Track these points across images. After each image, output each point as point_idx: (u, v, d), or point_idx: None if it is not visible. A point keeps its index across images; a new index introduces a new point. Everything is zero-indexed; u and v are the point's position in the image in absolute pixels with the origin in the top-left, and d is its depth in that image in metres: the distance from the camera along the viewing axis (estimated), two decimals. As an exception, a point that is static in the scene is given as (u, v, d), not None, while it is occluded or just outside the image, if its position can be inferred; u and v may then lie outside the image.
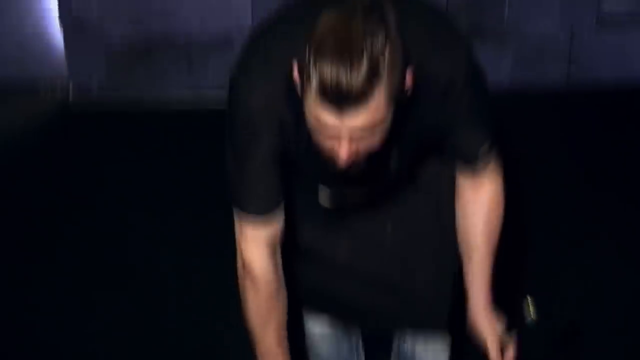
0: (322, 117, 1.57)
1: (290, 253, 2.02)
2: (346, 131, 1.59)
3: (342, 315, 2.25)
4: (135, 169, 3.68)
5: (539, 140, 3.92)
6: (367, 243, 2.11)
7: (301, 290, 2.16)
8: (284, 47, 1.68)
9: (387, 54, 1.50)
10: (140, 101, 4.14)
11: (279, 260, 1.93)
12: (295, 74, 1.62)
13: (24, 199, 3.54)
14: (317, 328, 2.32)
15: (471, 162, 1.91)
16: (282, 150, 1.82)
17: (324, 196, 2.01)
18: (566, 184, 3.73)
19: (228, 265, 2.02)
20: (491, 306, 1.95)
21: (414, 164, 2.01)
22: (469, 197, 1.95)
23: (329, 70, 1.49)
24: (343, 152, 1.61)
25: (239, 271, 1.93)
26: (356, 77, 1.50)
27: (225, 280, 2.11)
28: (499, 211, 1.97)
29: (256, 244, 1.88)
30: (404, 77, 1.58)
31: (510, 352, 1.92)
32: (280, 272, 1.96)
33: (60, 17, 3.97)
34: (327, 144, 1.63)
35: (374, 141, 1.64)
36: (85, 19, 3.97)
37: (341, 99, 1.52)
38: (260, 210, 1.86)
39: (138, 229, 3.38)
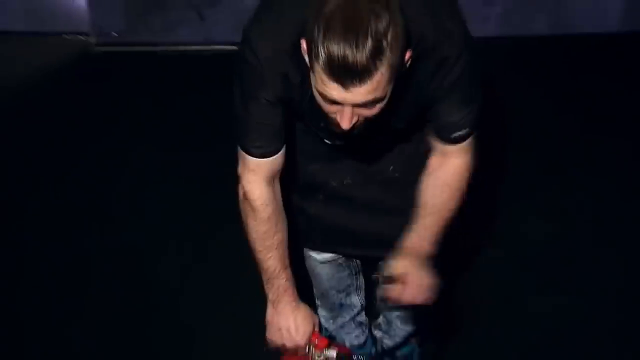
0: (328, 89, 1.69)
1: (294, 186, 2.16)
2: (349, 103, 1.71)
3: (342, 242, 2.30)
4: (150, 104, 3.79)
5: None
6: (372, 176, 2.19)
7: (304, 222, 2.27)
8: (295, 11, 1.77)
9: (390, 35, 1.61)
10: (155, 46, 4.20)
11: (278, 189, 2.03)
12: (304, 47, 1.72)
13: (52, 127, 3.62)
14: (318, 255, 2.38)
15: (443, 140, 2.02)
16: (286, 100, 1.93)
17: (328, 137, 2.12)
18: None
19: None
20: (422, 260, 2.02)
21: (412, 122, 2.09)
22: (434, 166, 2.05)
23: (337, 48, 1.60)
24: (345, 119, 1.74)
25: (240, 198, 2.05)
26: (361, 55, 1.59)
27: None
28: (457, 191, 2.08)
29: (255, 176, 1.98)
30: (404, 56, 1.71)
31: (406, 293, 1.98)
32: (279, 199, 2.06)
33: None
34: (331, 110, 1.76)
35: (373, 112, 1.76)
36: None
37: (347, 74, 1.63)
38: (260, 153, 1.98)
39: (149, 161, 3.46)
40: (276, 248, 2.07)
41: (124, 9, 4.15)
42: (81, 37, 4.25)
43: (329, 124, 1.85)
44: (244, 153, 1.98)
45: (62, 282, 3.12)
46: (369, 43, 1.60)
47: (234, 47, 3.84)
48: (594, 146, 3.69)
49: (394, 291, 2.00)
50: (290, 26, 1.80)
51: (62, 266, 3.17)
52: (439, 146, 2.03)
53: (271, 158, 1.97)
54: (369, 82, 1.65)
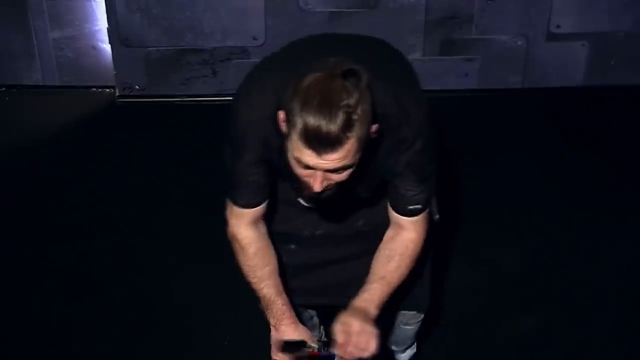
0: (303, 156, 1.84)
1: (269, 232, 2.26)
2: (321, 169, 1.87)
3: (309, 291, 2.39)
4: (167, 151, 3.92)
5: (499, 130, 4.13)
6: (342, 228, 2.34)
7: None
8: (276, 86, 1.94)
9: (359, 110, 1.77)
10: (173, 98, 4.33)
11: (263, 228, 2.20)
12: (281, 117, 1.88)
13: (79, 175, 3.77)
14: None
15: (398, 212, 2.18)
16: (267, 160, 2.10)
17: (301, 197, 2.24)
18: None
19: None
20: (367, 318, 2.09)
21: (376, 192, 2.25)
22: (388, 237, 2.19)
23: (312, 120, 1.76)
24: (317, 183, 1.89)
25: (229, 238, 2.25)
26: (334, 127, 1.75)
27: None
28: (406, 262, 2.21)
29: (240, 221, 2.17)
30: (370, 129, 1.86)
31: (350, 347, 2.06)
32: (265, 236, 2.22)
33: (110, 34, 4.19)
34: (304, 174, 1.92)
35: (342, 177, 1.93)
36: (129, 35, 4.17)
37: (320, 143, 1.78)
38: (243, 204, 2.16)
39: (166, 196, 3.62)
40: (268, 278, 2.21)
41: (146, 66, 4.23)
42: (107, 90, 4.30)
43: (302, 187, 2.01)
44: (231, 202, 2.18)
45: (69, 287, 3.21)
46: (341, 116, 1.74)
47: None
48: (553, 182, 3.76)
49: (340, 350, 2.07)
50: (272, 98, 1.96)
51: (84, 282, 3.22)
52: (394, 217, 2.19)
53: (254, 209, 2.16)
54: (339, 150, 1.80)
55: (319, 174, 1.86)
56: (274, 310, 2.21)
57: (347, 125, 1.75)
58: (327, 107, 1.75)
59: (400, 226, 2.18)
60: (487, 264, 3.36)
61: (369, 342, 2.06)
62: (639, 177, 3.93)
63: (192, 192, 3.67)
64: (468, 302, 3.18)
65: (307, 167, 1.87)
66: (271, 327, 2.21)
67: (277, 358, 2.22)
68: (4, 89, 4.31)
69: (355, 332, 2.05)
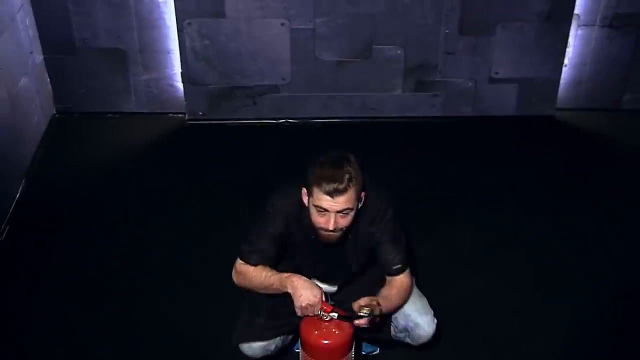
0: (322, 202, 2.16)
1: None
2: (334, 209, 2.19)
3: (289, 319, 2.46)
4: (221, 160, 4.24)
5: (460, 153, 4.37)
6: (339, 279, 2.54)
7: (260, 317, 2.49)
8: (297, 193, 2.30)
9: (354, 175, 2.20)
10: (227, 122, 4.59)
11: (266, 268, 2.36)
12: (304, 191, 2.26)
13: (155, 188, 4.04)
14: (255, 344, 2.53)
15: (388, 274, 2.43)
16: (284, 236, 2.37)
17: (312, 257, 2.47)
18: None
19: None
20: (379, 304, 2.24)
21: (364, 266, 2.52)
22: (386, 285, 2.42)
23: (326, 178, 2.16)
24: (331, 223, 2.20)
25: (233, 277, 2.43)
26: (342, 180, 2.16)
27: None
28: (400, 299, 2.43)
29: (247, 267, 2.39)
30: (361, 191, 2.25)
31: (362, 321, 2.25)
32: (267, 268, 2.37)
33: (182, 76, 4.49)
34: (322, 220, 2.22)
35: (347, 220, 2.25)
36: (196, 76, 4.46)
37: (333, 190, 2.16)
38: (251, 264, 2.37)
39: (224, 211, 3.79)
40: (271, 270, 2.39)
41: (207, 98, 4.53)
42: (179, 115, 4.61)
43: (318, 236, 2.28)
44: (242, 261, 2.40)
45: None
46: (346, 175, 2.17)
47: (274, 121, 4.50)
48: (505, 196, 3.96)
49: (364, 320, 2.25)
50: (296, 193, 2.31)
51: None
52: (387, 279, 2.45)
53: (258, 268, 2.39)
54: (345, 194, 2.18)
55: (332, 215, 2.20)
56: (284, 277, 2.32)
57: (350, 180, 2.20)
58: (336, 166, 2.20)
59: (389, 280, 2.45)
60: (445, 241, 3.63)
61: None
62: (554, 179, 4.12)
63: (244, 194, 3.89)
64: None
65: (324, 210, 2.19)
66: (289, 290, 2.29)
67: (298, 305, 2.28)
68: (110, 115, 4.58)
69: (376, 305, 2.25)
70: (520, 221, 3.84)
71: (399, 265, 2.40)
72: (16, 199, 3.93)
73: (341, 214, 2.20)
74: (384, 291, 2.41)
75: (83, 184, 4.08)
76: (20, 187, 4.02)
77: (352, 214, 2.24)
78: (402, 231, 2.45)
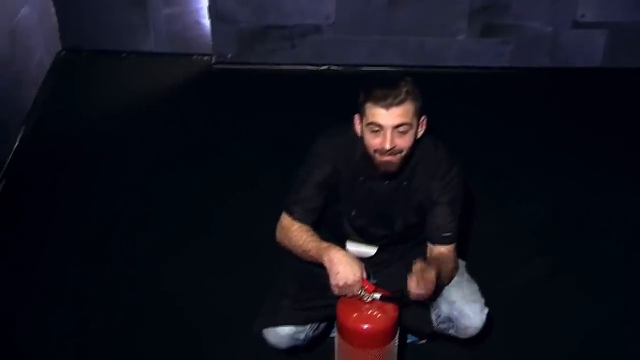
0: (376, 117, 2.14)
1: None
2: (390, 124, 2.14)
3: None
4: (250, 110, 4.10)
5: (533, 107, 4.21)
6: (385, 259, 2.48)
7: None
8: (348, 134, 2.29)
9: (412, 92, 2.17)
10: (258, 65, 4.44)
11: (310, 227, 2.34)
12: (357, 119, 2.23)
13: (180, 128, 3.96)
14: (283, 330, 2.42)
15: (433, 241, 2.35)
16: (331, 184, 2.33)
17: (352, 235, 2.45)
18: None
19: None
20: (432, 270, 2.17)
21: (409, 227, 2.43)
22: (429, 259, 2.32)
23: (379, 89, 2.15)
24: (387, 141, 2.16)
25: (276, 232, 2.39)
26: (397, 90, 2.14)
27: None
28: (447, 273, 2.34)
29: (291, 223, 2.36)
30: (420, 115, 2.21)
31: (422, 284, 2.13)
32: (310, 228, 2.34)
33: (209, 11, 4.30)
34: (376, 142, 2.18)
35: (405, 141, 2.19)
36: (225, 12, 4.30)
37: (388, 102, 2.13)
38: (294, 218, 2.35)
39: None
40: (312, 235, 2.33)
41: (237, 38, 4.38)
42: (205, 58, 4.46)
43: (374, 178, 2.28)
44: (286, 214, 2.37)
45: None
46: (403, 88, 2.14)
47: (315, 68, 4.51)
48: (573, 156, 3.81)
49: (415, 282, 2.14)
50: (346, 130, 2.31)
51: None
52: (430, 250, 2.36)
53: (302, 224, 2.35)
54: (402, 107, 2.13)
55: (388, 132, 2.14)
56: (323, 247, 2.26)
57: (407, 92, 2.14)
58: (391, 81, 2.16)
59: (437, 254, 2.35)
60: (510, 212, 3.49)
61: (430, 285, 2.15)
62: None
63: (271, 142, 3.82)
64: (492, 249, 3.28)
65: (379, 127, 2.15)
66: (325, 263, 2.23)
67: (334, 283, 2.21)
68: (124, 54, 4.46)
69: (429, 276, 2.15)
70: (604, 197, 3.59)
71: (450, 234, 2.30)
72: (15, 147, 3.83)
73: (398, 132, 2.13)
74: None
75: (90, 132, 3.96)
76: (20, 134, 3.89)
77: (411, 133, 2.16)
78: (460, 205, 2.34)
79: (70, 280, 3.14)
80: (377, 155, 2.20)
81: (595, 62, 4.47)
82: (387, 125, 2.14)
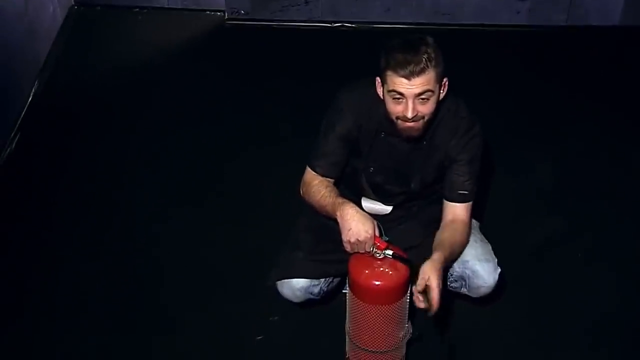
0: (397, 86, 2.09)
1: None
2: (411, 93, 2.10)
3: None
4: (266, 74, 4.01)
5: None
6: (401, 214, 2.44)
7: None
8: (371, 91, 2.25)
9: (434, 56, 2.11)
10: (272, 22, 4.36)
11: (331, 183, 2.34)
12: (378, 81, 2.18)
13: (192, 83, 3.92)
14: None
15: (450, 198, 2.32)
16: (352, 138, 2.30)
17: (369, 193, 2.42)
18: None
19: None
20: (441, 265, 2.16)
21: (426, 187, 2.40)
22: (442, 226, 2.32)
23: (401, 56, 2.07)
24: (409, 109, 2.12)
25: (301, 191, 2.37)
26: (418, 58, 2.08)
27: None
28: (461, 240, 2.31)
29: (313, 177, 2.36)
30: (443, 77, 2.16)
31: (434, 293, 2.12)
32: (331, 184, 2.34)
33: None
34: (398, 109, 2.14)
35: (428, 108, 2.15)
36: None
37: (409, 71, 2.08)
38: (321, 173, 2.34)
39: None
40: (331, 191, 2.32)
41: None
42: (218, 14, 4.35)
43: (394, 135, 2.23)
44: (309, 168, 2.36)
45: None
46: (423, 54, 2.08)
47: (329, 25, 4.43)
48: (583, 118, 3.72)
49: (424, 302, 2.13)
50: (368, 85, 2.26)
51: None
52: (446, 207, 2.33)
53: (325, 178, 2.35)
54: (423, 75, 2.08)
55: (410, 100, 2.11)
56: (338, 202, 2.24)
57: (428, 60, 2.09)
58: (411, 47, 2.09)
59: (451, 213, 2.34)
60: (524, 173, 3.43)
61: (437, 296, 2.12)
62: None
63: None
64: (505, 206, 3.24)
65: (401, 96, 2.11)
66: (338, 218, 2.22)
67: (346, 239, 2.20)
68: (137, 9, 4.36)
69: (434, 282, 2.12)
70: (621, 157, 3.52)
71: (466, 192, 2.28)
72: (28, 102, 3.77)
73: (420, 99, 2.10)
74: (440, 235, 2.29)
75: (102, 87, 3.91)
76: (33, 89, 3.84)
77: (433, 99, 2.13)
78: (480, 159, 2.32)
79: (79, 233, 3.12)
80: (399, 122, 2.18)
81: (614, 20, 4.34)
82: (409, 94, 2.11)
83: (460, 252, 2.34)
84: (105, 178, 3.39)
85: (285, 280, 2.36)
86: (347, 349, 2.43)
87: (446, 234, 2.29)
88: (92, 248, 3.06)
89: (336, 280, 2.48)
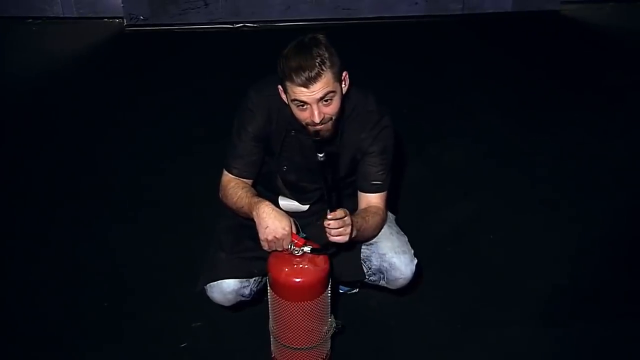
0: (297, 95, 2.07)
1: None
2: (313, 99, 2.08)
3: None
4: (166, 72, 3.98)
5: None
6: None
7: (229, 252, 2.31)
8: (276, 85, 2.17)
9: (327, 56, 2.04)
10: (173, 28, 4.38)
11: (249, 186, 2.28)
12: (280, 89, 2.16)
13: (92, 90, 3.79)
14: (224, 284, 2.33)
15: (365, 189, 2.31)
16: (264, 137, 2.26)
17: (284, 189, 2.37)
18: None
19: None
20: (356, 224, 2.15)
21: (345, 171, 2.37)
22: (357, 212, 2.28)
23: (294, 63, 2.02)
24: (315, 115, 2.09)
25: (220, 199, 2.32)
26: (311, 63, 2.03)
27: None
28: (375, 224, 2.29)
29: (230, 179, 2.30)
30: (342, 73, 2.12)
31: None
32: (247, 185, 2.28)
33: None
34: (304, 115, 2.11)
35: (333, 108, 2.12)
36: None
37: (305, 78, 2.04)
38: (238, 174, 2.30)
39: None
40: (247, 191, 2.28)
41: (149, 0, 4.27)
42: (117, 21, 4.36)
43: (304, 133, 2.19)
44: (226, 170, 2.32)
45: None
46: (316, 59, 2.03)
47: (230, 26, 4.36)
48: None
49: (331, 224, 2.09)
50: (273, 87, 2.19)
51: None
52: (361, 197, 2.32)
53: (242, 179, 2.31)
54: (320, 80, 2.04)
55: (315, 106, 2.09)
56: (254, 201, 2.24)
57: (322, 63, 2.04)
58: (303, 53, 2.04)
59: (366, 204, 2.34)
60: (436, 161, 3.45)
61: (347, 230, 2.12)
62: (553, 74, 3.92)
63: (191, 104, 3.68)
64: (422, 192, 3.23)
65: (303, 103, 2.09)
66: (254, 217, 2.21)
67: (262, 237, 2.18)
68: (30, 20, 4.30)
69: (343, 218, 2.11)
70: (520, 133, 3.60)
71: (379, 183, 2.27)
72: None
73: (324, 102, 2.08)
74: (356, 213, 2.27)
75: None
76: None
77: (336, 98, 2.11)
78: (392, 150, 2.30)
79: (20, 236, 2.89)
80: (309, 127, 2.16)
81: (506, 6, 4.50)
82: (311, 101, 2.10)
83: (377, 231, 2.36)
84: (16, 184, 3.15)
85: (215, 284, 2.31)
86: (272, 348, 2.43)
87: (361, 213, 2.29)
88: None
89: (265, 279, 2.42)
